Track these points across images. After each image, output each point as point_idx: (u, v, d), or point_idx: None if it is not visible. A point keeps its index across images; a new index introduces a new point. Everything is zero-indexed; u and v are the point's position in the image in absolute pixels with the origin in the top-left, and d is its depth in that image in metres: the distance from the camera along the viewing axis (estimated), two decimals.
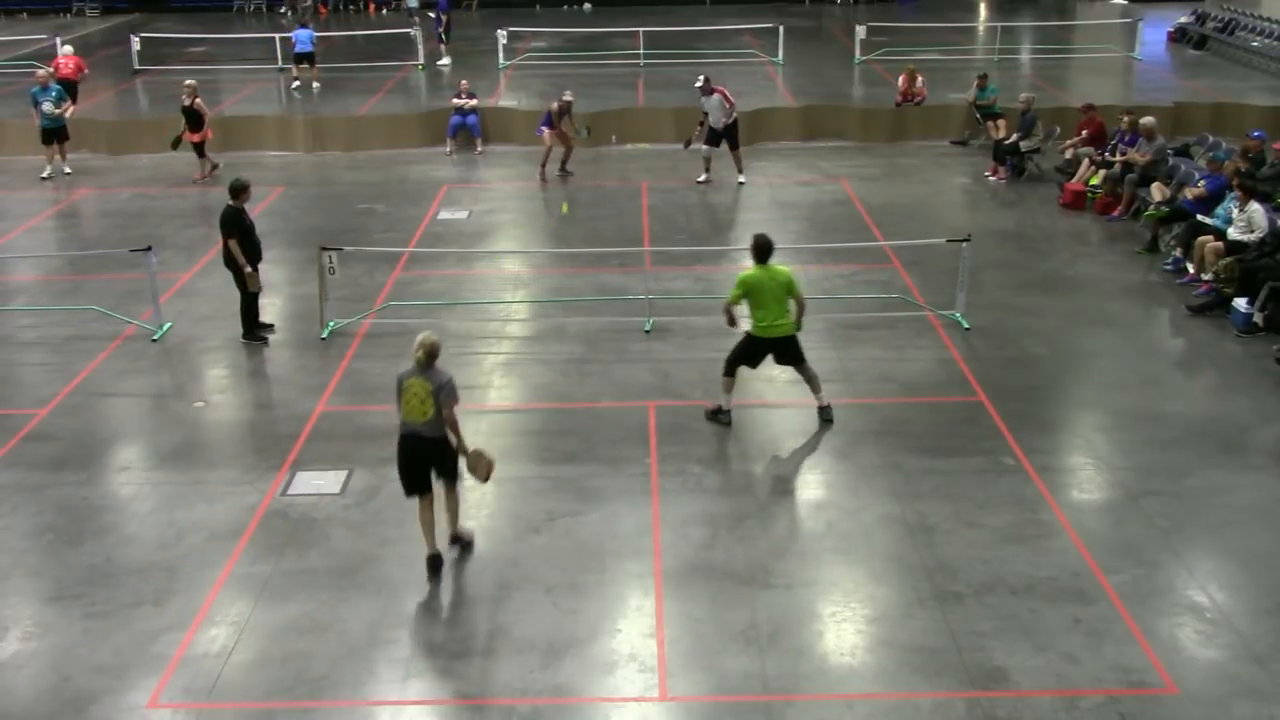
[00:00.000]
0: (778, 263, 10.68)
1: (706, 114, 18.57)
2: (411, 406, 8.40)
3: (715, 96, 18.41)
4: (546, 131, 19.03)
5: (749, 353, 10.75)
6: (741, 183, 18.69)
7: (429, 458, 8.51)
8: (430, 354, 8.38)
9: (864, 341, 12.69)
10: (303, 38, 26.97)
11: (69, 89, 23.80)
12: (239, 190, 12.59)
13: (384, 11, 39.61)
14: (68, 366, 12.30)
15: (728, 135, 18.59)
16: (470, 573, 8.70)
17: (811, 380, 10.87)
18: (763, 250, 10.52)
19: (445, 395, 8.33)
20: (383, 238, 16.52)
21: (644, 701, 7.36)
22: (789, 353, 10.74)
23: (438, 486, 8.65)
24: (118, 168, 20.70)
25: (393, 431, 10.61)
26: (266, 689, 7.51)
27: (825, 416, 10.89)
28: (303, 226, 17.00)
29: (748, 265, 9.73)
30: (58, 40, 26.36)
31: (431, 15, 30.77)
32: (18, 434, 10.88)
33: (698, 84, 18.70)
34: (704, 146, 18.76)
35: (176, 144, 19.57)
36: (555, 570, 8.68)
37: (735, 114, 18.67)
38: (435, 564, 8.63)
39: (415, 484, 8.58)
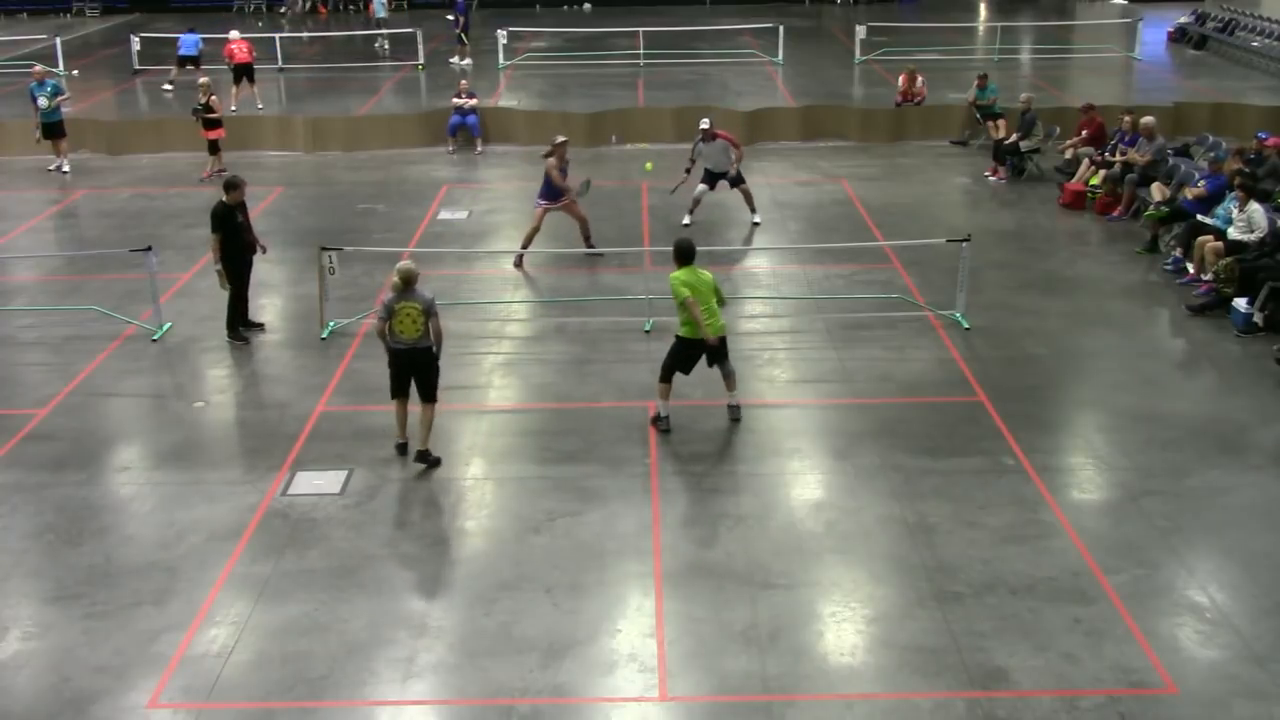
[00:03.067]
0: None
1: (693, 161, 16.60)
2: (405, 325, 9.79)
3: (719, 142, 16.28)
4: (544, 205, 15.19)
5: (682, 357, 10.66)
6: (757, 222, 16.71)
7: (416, 367, 9.98)
8: (406, 279, 9.72)
9: (864, 341, 12.69)
10: (188, 42, 26.86)
11: (244, 71, 24.71)
12: (230, 187, 12.67)
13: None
14: (68, 366, 12.30)
15: (727, 177, 16.50)
16: (470, 573, 8.71)
17: (729, 376, 10.84)
18: (687, 254, 10.49)
19: (434, 311, 9.83)
20: (383, 238, 16.52)
21: (644, 701, 7.36)
22: (719, 352, 10.69)
23: (416, 401, 10.14)
24: (118, 168, 20.70)
25: (392, 431, 10.67)
26: (266, 689, 7.51)
27: (734, 416, 10.85)
28: (303, 226, 16.99)
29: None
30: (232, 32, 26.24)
31: (449, 18, 30.77)
32: (18, 434, 10.88)
33: (703, 125, 16.36)
34: (699, 185, 16.63)
35: (196, 113, 19.65)
36: (555, 570, 8.69)
37: (740, 161, 16.47)
38: (403, 449, 10.25)
39: (400, 388, 10.12)
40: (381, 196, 18.66)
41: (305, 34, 34.57)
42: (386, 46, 31.65)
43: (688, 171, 16.75)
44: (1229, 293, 13.12)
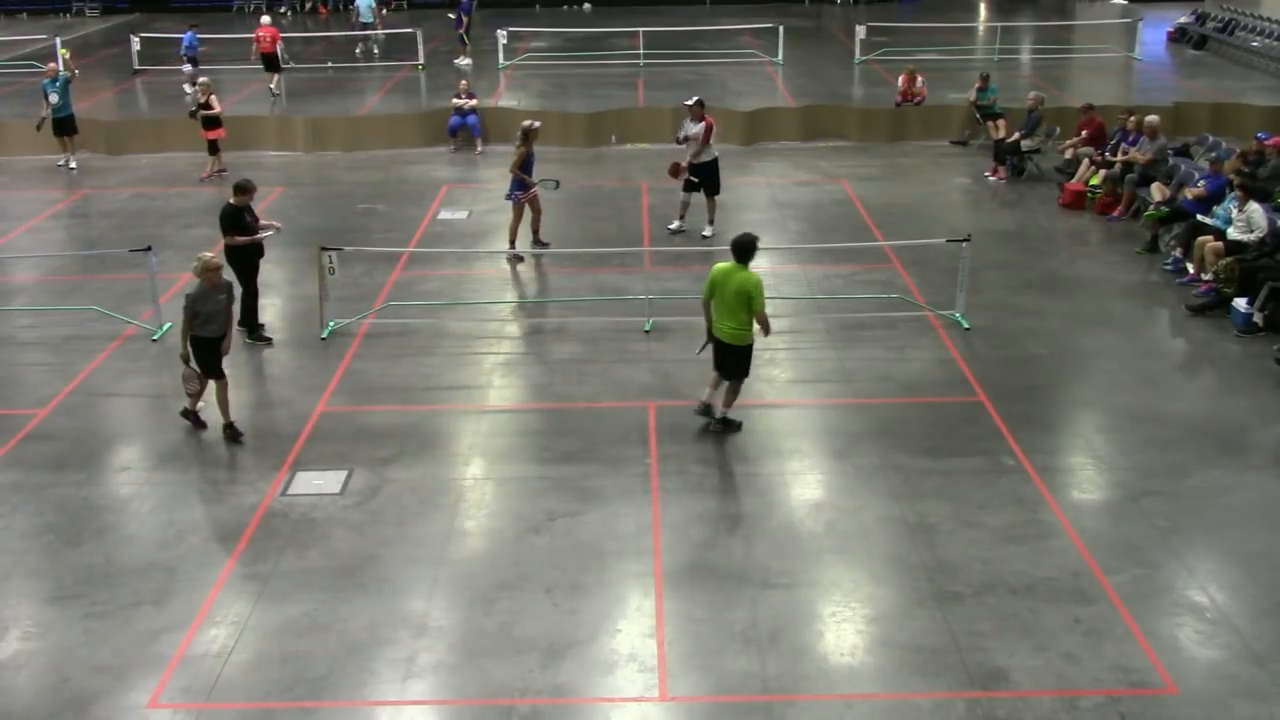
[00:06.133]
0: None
1: (680, 141, 16.15)
2: None
3: (703, 125, 15.74)
4: (520, 195, 15.29)
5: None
6: (706, 235, 15.95)
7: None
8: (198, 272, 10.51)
9: (864, 341, 12.68)
10: (187, 41, 27.13)
11: (269, 61, 26.00)
12: (240, 190, 12.65)
13: (384, 11, 39.63)
14: (68, 366, 12.30)
15: (705, 179, 15.99)
16: (470, 573, 8.71)
17: (730, 391, 10.59)
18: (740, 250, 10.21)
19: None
20: (383, 238, 16.52)
21: (644, 701, 7.37)
22: (727, 359, 10.49)
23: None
24: (118, 168, 20.70)
25: (392, 431, 10.68)
26: (266, 689, 7.51)
27: (712, 425, 10.63)
28: (303, 226, 16.97)
29: (752, 265, 9.59)
30: (264, 19, 27.13)
31: (451, 16, 30.74)
32: (18, 434, 10.88)
33: (689, 102, 15.99)
34: (681, 193, 16.23)
35: (195, 115, 19.70)
36: (555, 570, 8.69)
37: (715, 154, 15.98)
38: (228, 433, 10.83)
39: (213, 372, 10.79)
40: (381, 196, 18.67)
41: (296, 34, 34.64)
42: (375, 50, 31.44)
43: (684, 167, 16.16)
44: (1229, 293, 13.12)
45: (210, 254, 10.74)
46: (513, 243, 15.40)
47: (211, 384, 10.78)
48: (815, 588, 8.49)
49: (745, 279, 10.10)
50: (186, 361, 10.64)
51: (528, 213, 15.52)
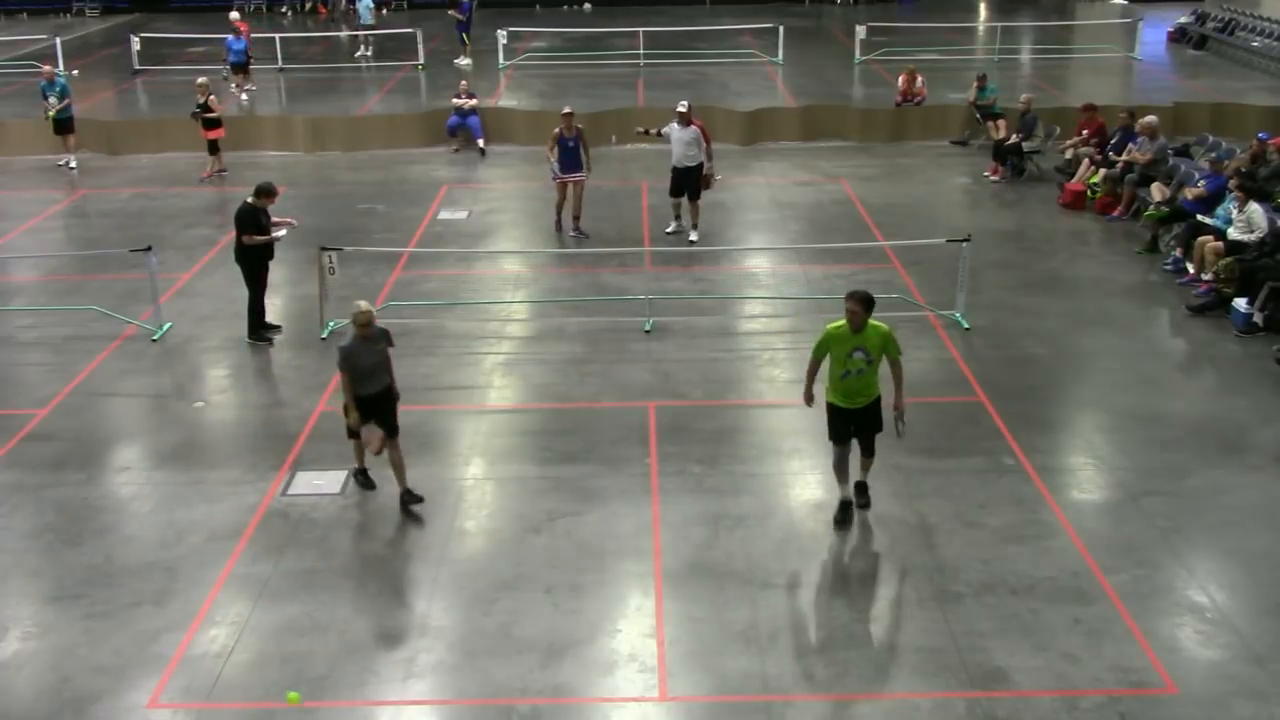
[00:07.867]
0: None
1: (660, 134, 16.19)
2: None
3: (693, 129, 15.74)
4: (561, 177, 16.04)
5: (830, 423, 9.30)
6: (692, 240, 15.97)
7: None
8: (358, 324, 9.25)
9: None
10: (237, 46, 26.64)
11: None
12: (263, 192, 12.66)
13: (384, 11, 39.64)
14: (68, 366, 12.30)
15: (689, 183, 15.98)
16: (470, 573, 8.71)
17: (866, 454, 9.41)
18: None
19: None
20: (383, 238, 16.52)
21: (644, 701, 7.37)
22: (863, 422, 9.21)
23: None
24: (118, 168, 20.70)
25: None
26: (266, 689, 7.51)
27: (859, 502, 9.36)
28: (303, 226, 16.89)
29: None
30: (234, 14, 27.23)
31: (450, 11, 30.72)
32: (18, 434, 10.88)
33: (679, 108, 15.92)
34: (672, 199, 16.27)
35: (195, 115, 19.63)
36: (555, 570, 8.69)
37: (710, 163, 16.00)
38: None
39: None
40: (381, 196, 18.66)
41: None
42: (369, 53, 31.27)
43: (652, 133, 16.63)
44: (1229, 293, 13.13)
45: (364, 302, 9.41)
46: (561, 220, 16.33)
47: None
48: (815, 588, 8.49)
49: (877, 328, 8.95)
50: (359, 424, 9.40)
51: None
